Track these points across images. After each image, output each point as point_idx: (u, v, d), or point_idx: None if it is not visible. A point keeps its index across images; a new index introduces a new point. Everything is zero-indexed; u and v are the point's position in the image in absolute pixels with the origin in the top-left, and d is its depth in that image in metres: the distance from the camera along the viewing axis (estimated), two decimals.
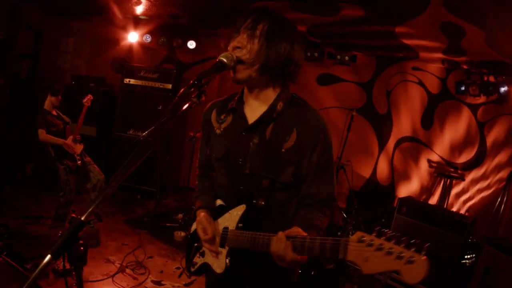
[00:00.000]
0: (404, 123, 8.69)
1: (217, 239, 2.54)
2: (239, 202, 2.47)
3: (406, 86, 8.61)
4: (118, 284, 5.52)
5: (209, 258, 2.61)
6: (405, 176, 8.70)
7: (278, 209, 2.47)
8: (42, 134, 6.78)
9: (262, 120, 2.41)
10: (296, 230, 2.19)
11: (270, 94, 2.45)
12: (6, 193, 7.93)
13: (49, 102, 6.99)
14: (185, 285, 5.80)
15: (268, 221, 2.40)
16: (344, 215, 7.60)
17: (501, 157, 7.80)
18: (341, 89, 9.16)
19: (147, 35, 9.58)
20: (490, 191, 7.88)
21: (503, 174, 7.73)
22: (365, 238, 1.77)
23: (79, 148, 7.09)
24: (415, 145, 8.60)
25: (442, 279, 6.16)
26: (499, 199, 7.47)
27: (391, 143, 8.81)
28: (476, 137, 8.03)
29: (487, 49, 6.33)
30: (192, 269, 2.77)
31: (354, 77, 9.05)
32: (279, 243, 2.12)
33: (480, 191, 7.98)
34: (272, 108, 2.41)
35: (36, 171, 9.23)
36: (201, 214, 2.63)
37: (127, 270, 5.96)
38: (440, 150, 8.36)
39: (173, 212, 8.47)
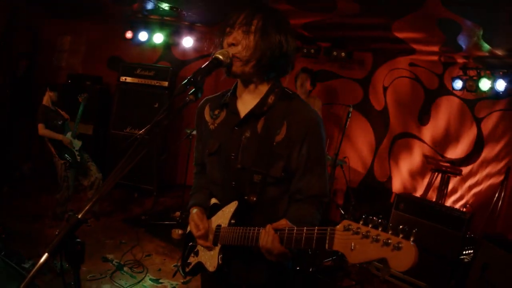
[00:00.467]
0: (401, 119, 8.70)
1: (211, 237, 2.52)
2: (232, 199, 2.45)
3: (403, 82, 8.61)
4: (116, 283, 5.52)
5: (202, 257, 2.59)
6: (402, 172, 8.70)
7: (270, 204, 2.44)
8: (42, 129, 6.82)
9: (253, 113, 2.41)
10: (284, 223, 2.19)
11: (263, 88, 2.46)
12: (4, 192, 7.93)
13: (48, 97, 7.03)
14: (183, 283, 5.80)
15: (261, 217, 2.35)
16: (342, 212, 7.60)
17: (498, 153, 7.81)
18: (338, 86, 9.16)
19: (144, 32, 9.54)
20: (487, 186, 7.88)
21: (500, 169, 7.74)
22: (351, 226, 1.72)
23: (77, 144, 7.09)
24: (412, 141, 8.61)
25: (441, 275, 6.17)
26: (496, 195, 7.47)
27: (388, 139, 8.81)
28: (473, 132, 8.02)
29: (483, 44, 6.33)
30: (187, 269, 2.75)
31: (350, 73, 9.06)
32: (267, 236, 2.10)
33: (477, 186, 7.98)
34: (262, 101, 2.42)
35: (34, 170, 9.22)
36: (193, 211, 2.66)
37: (125, 268, 5.95)
38: (437, 145, 8.36)
39: (170, 210, 8.48)
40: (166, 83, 9.07)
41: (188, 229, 2.72)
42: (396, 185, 8.73)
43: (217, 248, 2.46)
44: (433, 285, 6.17)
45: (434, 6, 5.06)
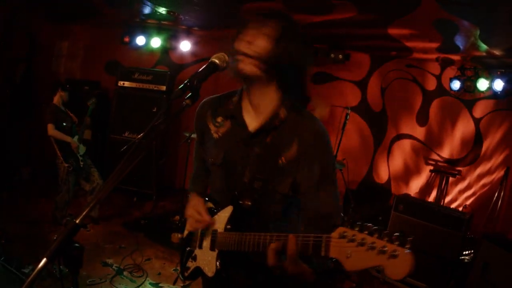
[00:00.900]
0: (399, 121, 8.69)
1: (208, 242, 2.51)
2: (228, 204, 2.43)
3: (401, 83, 8.61)
4: (116, 287, 5.52)
5: (200, 262, 2.56)
6: (402, 174, 8.71)
7: (266, 209, 2.38)
8: (52, 129, 6.79)
9: (264, 128, 2.34)
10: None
11: (272, 99, 2.37)
12: (4, 197, 7.91)
13: (59, 97, 7.03)
14: (183, 286, 5.81)
15: (256, 221, 2.34)
16: (341, 214, 7.59)
17: (497, 153, 7.82)
18: (336, 88, 9.16)
19: (141, 36, 9.54)
20: (487, 187, 7.89)
21: (499, 169, 7.75)
22: (346, 234, 1.68)
23: (82, 149, 7.09)
24: (411, 142, 8.61)
25: (441, 275, 6.18)
26: (496, 195, 7.48)
27: (386, 141, 8.81)
28: (472, 133, 8.03)
29: (481, 44, 6.33)
30: (186, 274, 2.71)
31: (348, 75, 9.05)
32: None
33: (477, 187, 7.99)
34: (274, 115, 2.33)
35: (34, 175, 9.21)
36: (195, 198, 2.63)
37: (125, 273, 5.95)
38: (436, 147, 8.36)
39: (170, 214, 8.47)
40: (164, 87, 9.05)
41: (186, 232, 2.74)
42: (396, 187, 8.73)
43: (215, 254, 2.43)
44: (433, 286, 6.17)
45: (430, 6, 5.07)
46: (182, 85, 2.03)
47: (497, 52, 6.69)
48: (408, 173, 8.64)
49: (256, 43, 2.20)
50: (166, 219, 8.19)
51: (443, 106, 8.27)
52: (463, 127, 8.09)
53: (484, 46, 6.44)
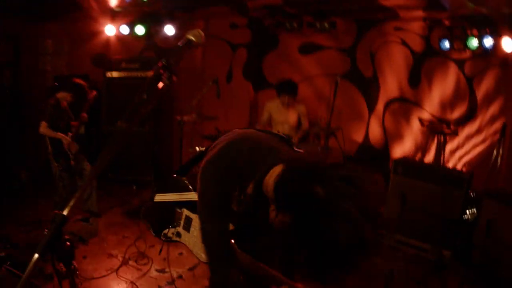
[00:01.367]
0: (391, 84, 8.64)
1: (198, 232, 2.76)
2: None
3: (390, 47, 8.54)
4: (123, 277, 5.54)
5: (187, 242, 2.96)
6: (398, 137, 8.67)
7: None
8: (43, 127, 6.72)
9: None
10: None
11: None
12: (4, 202, 7.89)
13: (62, 96, 6.95)
14: (189, 269, 5.83)
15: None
16: None
17: (492, 110, 7.77)
18: (324, 57, 9.08)
19: (124, 26, 9.47)
20: (485, 145, 7.87)
21: (496, 126, 7.71)
22: None
23: (75, 148, 7.03)
24: (405, 105, 8.56)
25: (446, 236, 6.17)
26: (494, 152, 7.45)
27: (380, 105, 8.76)
28: (465, 92, 7.98)
29: (467, 3, 6.28)
30: (163, 238, 3.19)
31: (336, 44, 8.95)
32: None
33: (475, 145, 7.97)
34: None
35: (31, 177, 9.17)
36: None
37: (130, 262, 5.97)
38: (430, 107, 8.31)
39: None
40: (151, 73, 8.92)
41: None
42: (394, 150, 8.70)
43: None
44: (438, 246, 6.17)
45: None
46: (158, 66, 2.01)
47: (484, 10, 6.63)
48: (404, 136, 8.61)
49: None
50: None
51: (434, 66, 8.21)
52: (456, 86, 8.04)
53: (471, 5, 6.39)
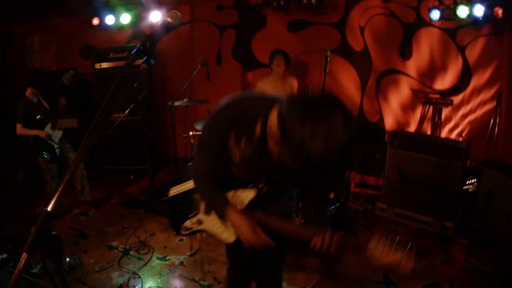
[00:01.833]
0: (383, 57, 8.58)
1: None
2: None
3: (379, 19, 8.44)
4: (125, 268, 5.54)
5: (209, 227, 3.03)
6: (393, 109, 8.62)
7: (279, 194, 2.91)
8: (19, 129, 6.71)
9: None
10: None
11: None
12: (3, 203, 7.88)
13: (31, 92, 6.88)
14: (190, 255, 5.84)
15: (271, 202, 2.83)
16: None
17: (487, 78, 7.72)
18: (313, 33, 8.99)
19: (110, 16, 9.40)
20: (481, 113, 7.82)
21: (492, 94, 7.68)
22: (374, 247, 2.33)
23: (57, 135, 6.96)
24: (398, 76, 8.50)
25: (447, 207, 6.15)
26: (491, 120, 7.43)
27: (373, 78, 8.69)
28: (458, 61, 7.92)
29: None
30: (184, 232, 3.20)
31: (324, 19, 8.87)
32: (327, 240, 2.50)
33: (471, 114, 7.93)
34: None
35: (28, 176, 9.13)
36: (239, 214, 2.70)
37: (132, 252, 5.96)
38: (423, 78, 8.26)
39: (168, 185, 8.38)
40: (140, 61, 8.87)
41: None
42: (389, 123, 8.65)
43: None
44: (440, 218, 6.15)
45: None
46: (134, 50, 1.98)
47: None
48: (399, 108, 8.55)
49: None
50: (164, 190, 8.11)
51: (425, 37, 8.14)
52: (449, 56, 7.98)
53: None
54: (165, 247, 6.07)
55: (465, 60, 7.80)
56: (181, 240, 6.26)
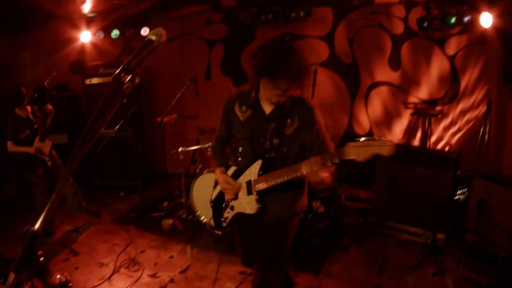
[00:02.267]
0: (372, 69, 8.60)
1: (243, 190, 3.67)
2: (255, 161, 3.58)
3: (368, 31, 8.48)
4: (116, 286, 5.49)
5: (239, 208, 3.72)
6: (383, 121, 8.65)
7: (284, 159, 3.50)
8: (10, 146, 6.65)
9: (275, 111, 3.48)
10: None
11: None
12: None
13: (19, 110, 6.79)
14: (180, 272, 5.78)
15: (278, 167, 3.42)
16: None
17: (476, 88, 7.75)
18: (302, 46, 8.92)
19: (100, 31, 9.42)
20: (471, 123, 7.84)
21: (481, 104, 7.70)
22: (353, 142, 2.82)
23: (47, 146, 6.88)
24: (387, 88, 8.52)
25: (438, 218, 6.15)
26: (481, 129, 7.45)
27: (362, 91, 8.71)
28: (447, 71, 7.95)
29: None
30: (224, 224, 3.91)
31: (313, 32, 8.92)
32: (313, 160, 3.08)
33: (461, 124, 7.95)
34: (283, 104, 3.42)
35: (19, 191, 9.08)
36: (220, 171, 3.84)
37: (122, 270, 5.91)
38: (413, 89, 8.28)
39: (158, 201, 8.45)
40: (128, 77, 8.86)
41: (214, 195, 4.03)
42: (378, 135, 8.56)
43: (253, 196, 3.58)
44: (431, 229, 6.15)
45: None
46: (119, 70, 1.96)
47: None
48: (389, 120, 8.58)
49: (290, 90, 3.31)
50: (154, 207, 8.14)
51: (414, 48, 8.18)
52: (438, 66, 8.01)
53: None
54: (155, 264, 6.03)
55: (453, 70, 7.84)
56: (171, 257, 6.23)
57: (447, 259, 5.90)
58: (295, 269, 5.58)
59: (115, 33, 9.41)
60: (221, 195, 3.93)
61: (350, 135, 8.81)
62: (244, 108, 3.65)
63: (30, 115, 6.90)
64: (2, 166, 8.97)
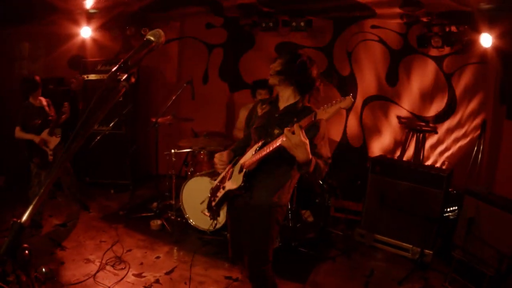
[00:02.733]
0: (369, 82, 8.64)
1: (235, 170, 3.95)
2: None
3: (367, 45, 8.52)
4: (101, 283, 5.44)
5: (228, 186, 3.95)
6: (377, 136, 8.67)
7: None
8: (17, 132, 6.74)
9: (285, 109, 3.88)
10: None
11: (290, 95, 3.89)
12: None
13: (32, 97, 6.92)
14: (166, 273, 5.76)
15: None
16: (320, 182, 7.52)
17: (472, 107, 7.80)
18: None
19: (100, 28, 9.40)
20: (465, 141, 7.89)
21: (476, 122, 7.75)
22: (323, 107, 3.14)
23: (54, 141, 6.92)
24: (383, 103, 8.55)
25: (427, 235, 6.15)
26: (475, 148, 7.47)
27: (358, 104, 8.73)
28: (444, 89, 7.99)
29: None
30: (213, 203, 4.18)
31: (312, 42, 8.95)
32: (291, 129, 3.19)
33: (455, 142, 7.99)
34: (295, 104, 3.86)
35: (8, 182, 9.04)
36: (226, 151, 4.25)
37: (108, 267, 5.86)
38: (408, 105, 8.32)
39: (147, 201, 8.42)
40: (124, 75, 8.85)
41: (219, 179, 4.28)
42: (372, 149, 8.70)
43: (242, 173, 3.77)
44: (420, 245, 6.15)
45: None
46: (116, 68, 1.97)
47: (461, 6, 6.62)
48: (383, 135, 8.61)
49: (273, 68, 3.81)
50: (144, 207, 8.11)
51: (412, 64, 8.22)
52: (435, 84, 8.05)
53: (447, 1, 6.37)
54: (141, 263, 6.00)
55: (451, 88, 7.88)
56: (158, 257, 6.21)
57: (433, 275, 5.89)
58: (281, 278, 5.57)
59: (115, 31, 9.39)
60: (221, 181, 4.23)
61: (343, 148, 8.83)
62: (264, 106, 4.20)
63: (46, 108, 7.02)
64: None
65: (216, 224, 6.50)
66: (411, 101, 8.30)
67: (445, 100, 8.00)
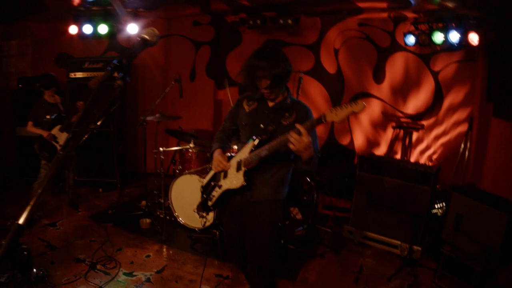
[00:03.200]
0: (356, 80, 8.69)
1: (231, 169, 3.96)
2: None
3: (354, 42, 8.56)
4: (91, 282, 5.41)
5: (226, 185, 3.98)
6: (364, 133, 8.72)
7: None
8: (29, 126, 7.11)
9: (276, 106, 3.94)
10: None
11: (281, 96, 3.96)
12: None
13: (47, 94, 7.30)
14: (156, 272, 5.75)
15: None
16: (308, 179, 7.52)
17: (459, 104, 7.87)
18: (288, 53, 8.93)
19: (88, 25, 9.34)
20: (452, 138, 7.95)
21: (463, 120, 7.81)
22: (331, 109, 3.19)
23: (64, 137, 7.10)
24: (370, 100, 8.60)
25: (414, 231, 6.19)
26: (462, 145, 7.51)
27: (345, 102, 8.66)
28: (431, 87, 8.04)
29: None
30: (210, 203, 4.18)
31: (299, 40, 8.98)
32: (298, 128, 3.30)
33: (442, 139, 8.04)
34: (284, 100, 3.94)
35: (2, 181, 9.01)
36: (217, 152, 4.17)
37: (98, 266, 5.84)
38: (395, 103, 8.37)
39: (136, 200, 8.43)
40: (115, 73, 8.82)
41: (205, 181, 4.33)
42: (359, 146, 8.75)
43: (241, 171, 3.83)
44: (408, 241, 6.18)
45: None
46: (111, 66, 1.97)
47: (450, 5, 6.66)
48: (371, 132, 8.66)
49: (267, 84, 3.69)
50: (133, 205, 8.12)
51: (399, 62, 8.27)
52: (422, 81, 8.11)
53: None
54: (132, 262, 5.99)
55: (437, 85, 7.92)
56: (148, 256, 6.20)
57: (422, 271, 5.94)
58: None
59: (103, 28, 9.33)
60: (212, 179, 4.26)
61: (331, 146, 8.86)
62: (250, 102, 4.11)
63: (60, 105, 7.31)
64: None
65: (205, 222, 6.53)
66: (398, 99, 8.34)
67: (431, 98, 8.04)
